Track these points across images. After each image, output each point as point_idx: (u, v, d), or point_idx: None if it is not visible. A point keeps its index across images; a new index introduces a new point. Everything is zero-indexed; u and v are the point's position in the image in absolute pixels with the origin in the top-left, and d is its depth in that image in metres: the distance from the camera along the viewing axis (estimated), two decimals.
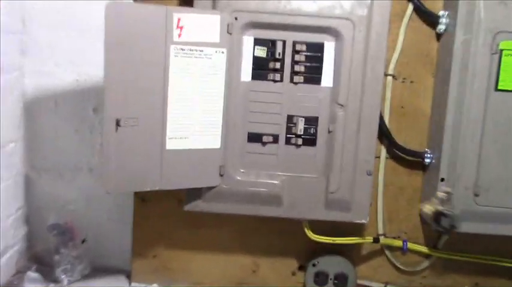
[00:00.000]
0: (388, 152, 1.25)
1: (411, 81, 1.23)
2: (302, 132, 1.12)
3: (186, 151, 1.07)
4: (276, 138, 1.13)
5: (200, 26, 1.03)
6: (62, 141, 1.32)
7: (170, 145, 1.05)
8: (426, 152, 1.22)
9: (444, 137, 1.14)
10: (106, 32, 0.95)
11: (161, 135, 1.04)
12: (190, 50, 1.03)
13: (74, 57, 1.28)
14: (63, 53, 1.28)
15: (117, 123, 0.99)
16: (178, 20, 1.01)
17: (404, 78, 1.22)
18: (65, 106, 1.30)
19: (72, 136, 1.32)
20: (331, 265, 1.27)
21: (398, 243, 1.27)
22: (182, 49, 1.02)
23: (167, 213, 1.28)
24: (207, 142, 1.09)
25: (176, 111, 1.04)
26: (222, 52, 1.06)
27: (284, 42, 1.09)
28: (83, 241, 1.32)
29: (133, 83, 0.99)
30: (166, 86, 1.02)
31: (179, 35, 1.02)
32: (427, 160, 1.21)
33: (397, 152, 1.24)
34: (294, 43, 1.10)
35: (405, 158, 1.24)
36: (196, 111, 1.06)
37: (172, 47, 1.01)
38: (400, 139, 1.23)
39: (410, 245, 1.27)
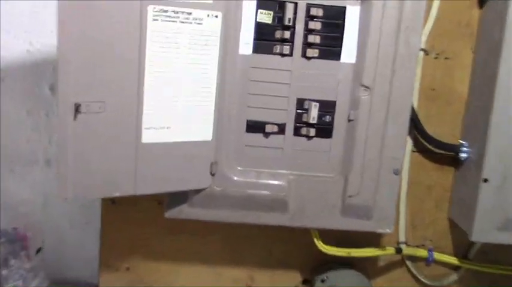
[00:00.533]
0: (415, 144, 1.02)
1: (446, 58, 1.00)
2: (315, 121, 0.88)
3: (167, 145, 0.83)
4: (282, 128, 0.89)
5: None
6: (11, 127, 1.06)
7: (147, 137, 0.81)
8: (462, 145, 1.00)
9: (490, 128, 0.92)
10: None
11: (135, 124, 0.79)
12: (174, 12, 0.78)
13: (25, 21, 1.01)
14: (10, 16, 1.01)
15: (76, 110, 0.74)
16: None
17: (437, 54, 1.00)
18: (14, 82, 1.03)
19: (24, 120, 1.06)
20: (343, 279, 1.05)
21: (422, 253, 1.05)
22: (164, 10, 0.77)
23: (144, 217, 1.04)
24: (194, 133, 0.85)
25: (155, 93, 0.80)
26: (216, 16, 0.81)
27: (295, 4, 0.85)
28: (39, 250, 1.07)
29: (97, 56, 0.74)
30: (142, 59, 0.77)
31: None
32: (463, 155, 0.99)
33: (425, 144, 1.02)
34: (308, 6, 0.85)
35: (435, 151, 1.02)
36: (182, 93, 0.82)
37: (150, 7, 0.76)
38: (429, 128, 1.00)
39: (436, 255, 1.06)
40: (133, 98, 0.78)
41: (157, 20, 0.77)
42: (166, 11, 0.77)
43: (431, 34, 0.98)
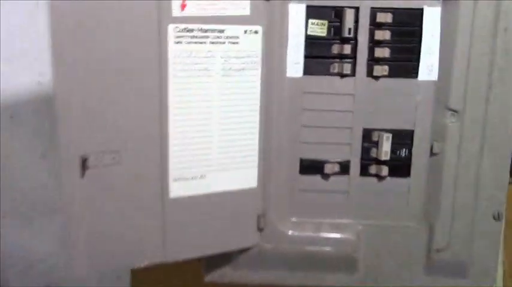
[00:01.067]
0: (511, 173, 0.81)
1: None
2: (388, 156, 0.69)
3: (202, 198, 0.65)
4: (345, 167, 0.70)
5: None
6: (25, 172, 0.91)
7: (176, 190, 0.64)
8: None
9: None
10: (52, 15, 0.53)
11: (160, 176, 0.62)
12: (201, 30, 0.60)
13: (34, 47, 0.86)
14: (15, 41, 0.86)
15: (83, 164, 0.58)
16: None
17: None
18: (25, 120, 0.89)
19: (39, 163, 0.91)
20: None
21: None
22: (188, 30, 0.60)
23: (180, 277, 0.86)
24: (236, 180, 0.67)
25: (183, 135, 0.62)
26: (255, 32, 0.63)
27: (357, 10, 0.66)
28: None
29: (105, 93, 0.58)
30: (164, 94, 0.60)
31: (182, 7, 0.59)
32: None
33: None
34: (374, 11, 0.66)
35: None
36: (216, 132, 0.64)
37: (171, 27, 0.59)
38: None
39: None
40: (155, 143, 0.61)
41: (180, 42, 0.60)
42: (191, 31, 0.60)
43: None
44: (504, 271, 0.84)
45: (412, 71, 0.68)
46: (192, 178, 0.64)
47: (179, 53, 0.60)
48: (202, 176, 0.64)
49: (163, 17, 0.58)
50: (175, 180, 0.63)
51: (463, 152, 0.68)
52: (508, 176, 0.70)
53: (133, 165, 0.60)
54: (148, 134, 0.61)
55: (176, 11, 0.59)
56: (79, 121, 0.57)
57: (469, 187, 0.69)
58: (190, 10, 0.59)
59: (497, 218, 0.70)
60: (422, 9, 0.66)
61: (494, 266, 0.72)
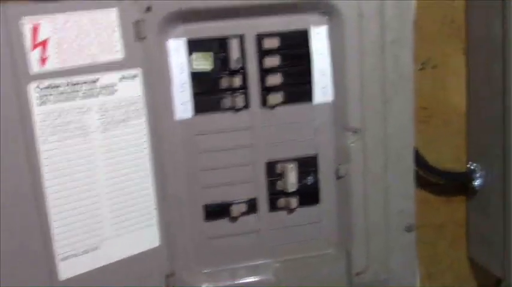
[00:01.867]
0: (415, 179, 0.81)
1: (433, 67, 0.79)
2: (295, 187, 0.65)
3: (99, 272, 0.57)
4: (252, 206, 0.65)
5: (83, 33, 0.52)
6: None
7: (66, 270, 0.54)
8: (473, 171, 0.79)
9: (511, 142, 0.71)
10: None
11: (45, 258, 0.53)
12: (70, 84, 0.52)
13: None
14: None
15: None
16: (35, 29, 0.49)
17: (422, 64, 0.78)
18: None
19: None
20: None
21: None
22: (53, 86, 0.51)
23: None
24: (135, 244, 0.59)
25: (65, 207, 0.53)
26: (134, 76, 0.56)
27: (241, 37, 0.60)
28: None
29: None
30: (35, 164, 0.51)
31: (42, 60, 0.50)
32: (477, 182, 0.79)
33: (427, 176, 0.80)
34: (259, 37, 0.61)
35: (440, 183, 0.81)
36: (105, 196, 0.56)
37: (32, 87, 0.49)
38: (428, 156, 0.79)
39: None
40: (33, 220, 0.52)
41: (45, 102, 0.50)
42: (57, 86, 0.51)
43: (425, 42, 0.76)
44: (421, 275, 0.84)
45: (306, 94, 0.64)
46: (83, 252, 0.55)
47: (46, 115, 0.50)
48: (95, 248, 0.56)
49: (20, 76, 0.49)
50: (63, 259, 0.54)
51: (368, 171, 0.66)
52: (414, 186, 0.69)
53: (10, 252, 0.50)
54: (23, 213, 0.51)
55: (35, 67, 0.49)
56: None
57: (378, 204, 0.67)
58: (53, 63, 0.50)
59: (409, 230, 0.69)
60: (306, 30, 0.62)
61: (414, 276, 0.71)
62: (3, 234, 0.50)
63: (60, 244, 0.54)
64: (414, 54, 0.74)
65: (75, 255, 0.55)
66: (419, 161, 0.78)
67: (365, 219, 0.67)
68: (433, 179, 0.81)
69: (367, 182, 0.66)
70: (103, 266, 0.57)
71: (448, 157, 0.81)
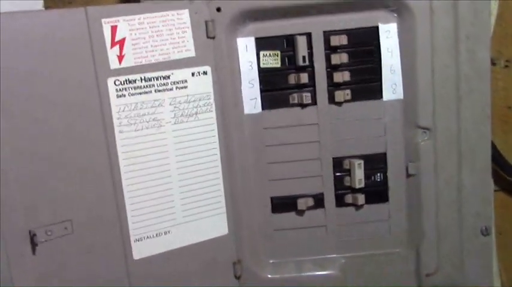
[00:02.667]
0: (496, 181, 0.77)
1: None
2: (363, 184, 0.65)
3: (170, 254, 0.61)
4: (319, 200, 0.66)
5: (156, 33, 0.56)
6: None
7: (140, 251, 0.59)
8: None
9: None
10: None
11: (121, 239, 0.58)
12: (145, 79, 0.56)
13: None
14: None
15: (32, 240, 0.53)
16: (113, 29, 0.54)
17: (507, 61, 0.75)
18: None
19: None
20: None
21: None
22: (130, 81, 0.56)
23: None
24: (204, 230, 0.63)
25: (140, 192, 0.58)
26: (205, 73, 0.60)
27: (309, 35, 0.62)
28: None
29: (51, 159, 0.53)
30: (112, 152, 0.56)
31: (119, 58, 0.55)
32: None
33: (511, 179, 0.76)
34: (327, 35, 0.62)
35: None
36: (176, 183, 0.60)
37: (110, 81, 0.55)
38: (511, 158, 0.75)
39: None
40: (110, 204, 0.57)
41: (123, 95, 0.56)
42: (133, 81, 0.56)
43: (495, 36, 0.73)
44: (502, 282, 0.80)
45: (375, 92, 0.64)
46: (156, 236, 0.60)
47: (123, 107, 0.56)
48: (167, 232, 0.60)
49: (100, 72, 0.54)
50: (137, 240, 0.59)
51: (441, 170, 0.64)
52: (492, 188, 0.66)
53: (88, 232, 0.56)
54: (101, 196, 0.56)
55: (114, 63, 0.55)
56: (21, 192, 0.52)
57: (451, 205, 0.65)
58: (130, 60, 0.55)
59: (485, 233, 0.66)
60: (377, 27, 0.62)
61: (489, 282, 0.68)
62: (82, 215, 0.55)
63: (135, 227, 0.58)
64: (498, 51, 0.72)
65: (148, 237, 0.59)
66: (501, 162, 0.74)
67: (436, 219, 0.65)
68: None
69: (439, 181, 0.64)
70: (174, 249, 0.61)
71: None
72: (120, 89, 0.55)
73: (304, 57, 0.62)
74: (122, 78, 0.55)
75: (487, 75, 0.62)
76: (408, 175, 0.65)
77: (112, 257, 0.58)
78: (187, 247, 0.62)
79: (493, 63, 0.74)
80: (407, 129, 0.64)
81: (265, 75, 0.63)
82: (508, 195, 0.78)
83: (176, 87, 0.58)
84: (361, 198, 0.65)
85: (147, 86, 0.56)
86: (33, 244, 0.53)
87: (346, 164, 0.65)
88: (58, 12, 0.53)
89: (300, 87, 0.63)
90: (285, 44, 0.62)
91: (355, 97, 0.64)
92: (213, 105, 0.60)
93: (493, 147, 0.70)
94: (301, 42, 0.61)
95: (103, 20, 0.53)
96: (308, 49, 0.62)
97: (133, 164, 0.57)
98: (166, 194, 0.60)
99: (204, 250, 0.63)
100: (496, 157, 0.73)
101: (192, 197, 0.61)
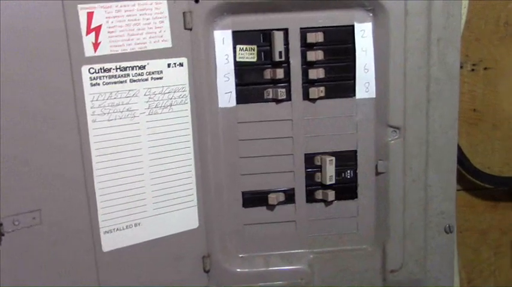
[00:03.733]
0: (459, 181, 0.79)
1: (485, 68, 0.77)
2: (333, 180, 0.66)
3: (139, 247, 0.60)
4: (290, 196, 0.67)
5: (133, 22, 0.55)
6: None
7: (109, 243, 0.58)
8: None
9: None
10: None
11: (90, 230, 0.57)
12: (120, 69, 0.55)
13: None
14: None
15: None
16: (90, 16, 0.53)
17: (474, 65, 0.77)
18: None
19: None
20: None
21: None
22: (105, 69, 0.55)
23: None
24: (174, 223, 0.62)
25: (111, 183, 0.57)
26: (181, 64, 0.59)
27: (286, 31, 0.62)
28: None
29: (21, 147, 0.52)
30: (85, 141, 0.55)
31: (95, 45, 0.54)
32: None
33: (474, 180, 0.79)
34: (304, 32, 0.62)
35: (486, 187, 0.80)
36: (148, 176, 0.59)
37: (85, 69, 0.53)
38: (475, 160, 0.78)
39: None
40: (80, 194, 0.56)
41: (97, 84, 0.54)
42: (108, 70, 0.55)
43: (463, 40, 0.75)
44: (461, 279, 0.83)
45: (349, 90, 0.65)
46: (125, 228, 0.59)
47: (97, 95, 0.54)
48: (137, 225, 0.59)
49: (75, 59, 0.53)
50: (106, 232, 0.58)
51: (409, 169, 0.66)
52: (455, 187, 0.68)
53: (57, 222, 0.55)
54: (71, 186, 0.55)
55: (89, 51, 0.53)
56: None
57: (417, 203, 0.67)
58: (105, 48, 0.54)
59: (449, 231, 0.68)
60: (353, 26, 0.63)
61: (451, 278, 0.70)
62: (51, 205, 0.54)
63: (105, 217, 0.57)
64: (465, 55, 0.74)
65: (118, 229, 0.58)
66: (465, 164, 0.77)
67: (403, 217, 0.67)
68: (479, 183, 0.79)
69: (406, 180, 0.66)
70: (143, 242, 0.60)
71: (496, 161, 0.79)
72: (94, 78, 0.54)
73: (280, 53, 0.62)
74: (97, 66, 0.54)
75: (456, 78, 0.64)
76: (377, 173, 0.66)
77: (81, 249, 0.56)
78: (157, 239, 0.61)
79: (460, 67, 0.76)
80: (378, 128, 0.65)
81: (241, 69, 0.63)
82: (469, 195, 0.81)
83: (151, 78, 0.57)
84: (331, 194, 0.66)
85: (122, 76, 0.55)
86: None
87: (317, 161, 0.66)
88: None
89: (275, 82, 0.63)
90: (262, 38, 0.62)
91: (329, 94, 0.64)
92: (188, 98, 0.60)
93: (458, 148, 0.72)
94: (278, 38, 0.61)
95: (79, 6, 0.52)
96: (284, 45, 0.62)
97: (105, 154, 0.56)
98: (137, 186, 0.59)
99: (174, 243, 0.62)
100: (461, 158, 0.76)
101: (163, 189, 0.60)
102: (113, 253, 0.58)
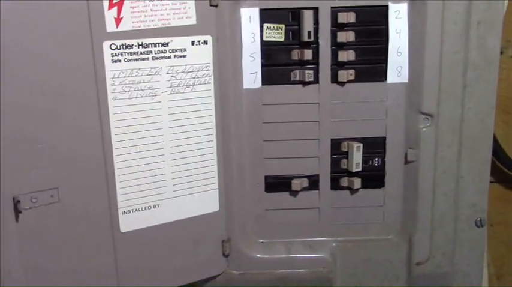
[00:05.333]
0: (493, 172, 0.76)
1: None
2: (360, 167, 0.63)
3: (158, 229, 0.59)
4: (314, 182, 0.65)
5: None
6: None
7: (127, 224, 0.57)
8: None
9: None
10: None
11: (108, 210, 0.56)
12: (142, 45, 0.54)
13: None
14: None
15: (16, 207, 0.51)
16: None
17: None
18: None
19: None
20: None
21: None
22: (127, 46, 0.53)
23: None
24: (194, 206, 0.61)
25: (130, 162, 0.56)
26: (205, 42, 0.57)
27: (316, 10, 0.59)
28: None
29: (39, 123, 0.50)
30: (104, 119, 0.53)
31: (117, 20, 0.52)
32: None
33: (508, 172, 0.75)
34: (334, 11, 0.59)
35: None
36: (169, 156, 0.58)
37: (106, 44, 0.52)
38: (511, 150, 0.74)
39: None
40: (99, 174, 0.55)
41: (119, 60, 0.53)
42: (130, 46, 0.53)
43: (505, 24, 0.70)
44: (490, 273, 0.80)
45: (380, 74, 0.62)
46: (144, 209, 0.58)
47: (118, 72, 0.53)
48: (156, 206, 0.58)
49: (96, 34, 0.51)
50: (125, 213, 0.57)
51: (440, 159, 0.63)
52: (488, 180, 0.65)
53: (75, 202, 0.54)
54: (90, 165, 0.54)
55: (111, 26, 0.52)
56: (7, 156, 0.49)
57: (448, 194, 0.64)
58: (127, 24, 0.52)
59: (479, 225, 0.65)
60: (387, 6, 0.60)
61: (480, 274, 0.67)
62: (69, 183, 0.53)
63: (123, 197, 0.56)
64: (506, 40, 0.70)
65: (137, 210, 0.57)
66: (500, 154, 0.74)
67: (432, 208, 0.64)
68: None
69: (437, 169, 0.63)
70: (162, 224, 0.59)
71: None
72: (115, 54, 0.52)
73: (309, 33, 0.59)
74: (119, 42, 0.52)
75: (495, 64, 0.61)
76: (407, 162, 0.64)
77: (98, 229, 0.55)
78: (176, 221, 0.60)
79: (500, 52, 0.72)
80: (410, 115, 0.62)
81: (267, 49, 0.60)
82: (503, 187, 0.78)
83: (174, 56, 0.55)
84: (357, 182, 0.64)
85: (144, 53, 0.54)
86: (17, 211, 0.51)
87: (344, 147, 0.64)
88: None
89: (302, 64, 0.61)
90: (290, 17, 0.60)
91: (359, 78, 0.62)
92: (212, 77, 0.58)
93: (493, 138, 0.69)
94: (308, 17, 0.59)
95: None
96: (314, 25, 0.59)
97: (125, 133, 0.55)
98: (157, 167, 0.57)
99: (193, 226, 0.61)
100: (496, 149, 0.72)
101: (184, 171, 0.59)
102: (131, 234, 0.57)
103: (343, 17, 0.59)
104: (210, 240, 0.62)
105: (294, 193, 0.65)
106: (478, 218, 0.65)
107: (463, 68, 0.60)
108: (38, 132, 0.51)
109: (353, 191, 0.65)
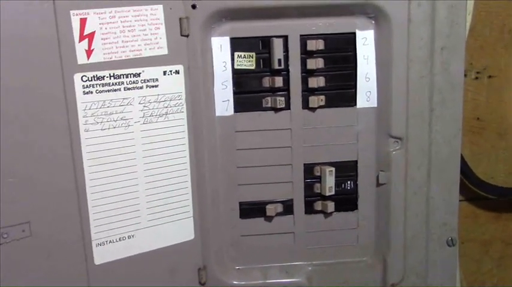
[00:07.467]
0: (461, 191, 0.78)
1: (489, 76, 0.75)
2: (333, 191, 0.64)
3: (133, 260, 0.58)
4: (289, 207, 0.65)
5: (128, 28, 0.53)
6: None
7: (101, 256, 0.56)
8: None
9: None
10: None
11: (82, 242, 0.55)
12: (114, 77, 0.54)
13: None
14: None
15: None
16: (83, 22, 0.51)
17: (478, 73, 0.75)
18: None
19: None
20: None
21: None
22: (98, 77, 0.53)
23: None
24: (170, 235, 0.60)
25: (104, 194, 0.55)
26: (177, 72, 0.57)
27: (286, 38, 0.60)
28: None
29: (10, 156, 0.50)
30: (77, 150, 0.53)
31: (88, 52, 0.52)
32: None
33: (476, 190, 0.77)
34: (304, 39, 0.61)
35: (489, 198, 0.78)
36: (143, 187, 0.57)
37: (77, 77, 0.52)
38: (478, 169, 0.76)
39: None
40: (72, 206, 0.54)
41: (90, 92, 0.53)
42: (102, 78, 0.53)
43: (467, 47, 0.73)
44: None
45: (349, 99, 0.63)
46: (119, 240, 0.57)
47: (90, 104, 0.53)
48: (130, 237, 0.58)
49: (67, 66, 0.51)
50: (99, 245, 0.56)
51: (410, 180, 0.64)
52: (458, 200, 0.66)
53: (48, 235, 0.53)
54: (62, 197, 0.53)
55: (82, 58, 0.52)
56: None
57: (419, 215, 0.65)
58: (99, 55, 0.52)
59: (451, 244, 0.67)
60: (354, 33, 0.61)
61: None
62: (41, 217, 0.52)
63: (97, 229, 0.56)
64: (469, 63, 0.73)
65: (111, 242, 0.57)
66: (468, 174, 0.75)
67: (404, 229, 0.65)
68: (482, 193, 0.77)
69: (408, 191, 0.64)
70: (137, 254, 0.58)
71: (500, 171, 0.78)
72: (87, 86, 0.52)
73: (279, 61, 0.60)
74: (90, 74, 0.52)
75: (460, 87, 0.63)
76: (378, 184, 0.65)
77: (72, 262, 0.55)
78: (151, 251, 0.59)
79: (464, 75, 0.74)
80: (380, 138, 0.64)
81: (239, 76, 0.61)
82: (472, 205, 0.79)
83: (147, 86, 0.55)
84: (330, 205, 0.65)
85: (116, 83, 0.54)
86: None
87: (317, 171, 0.64)
88: (25, 2, 0.49)
89: (274, 91, 0.62)
90: (261, 45, 0.60)
91: (329, 103, 0.63)
92: (184, 106, 0.58)
93: (461, 158, 0.71)
94: (278, 45, 0.60)
95: (72, 12, 0.50)
96: (284, 52, 0.60)
97: (98, 164, 0.54)
98: (131, 197, 0.57)
99: (168, 256, 0.60)
100: (464, 168, 0.74)
101: (158, 200, 0.59)
102: (106, 266, 0.57)
103: (312, 45, 0.60)
104: (186, 269, 0.62)
105: (269, 218, 0.65)
106: (449, 238, 0.66)
107: (429, 92, 0.62)
108: (8, 165, 0.50)
109: (327, 214, 0.65)
